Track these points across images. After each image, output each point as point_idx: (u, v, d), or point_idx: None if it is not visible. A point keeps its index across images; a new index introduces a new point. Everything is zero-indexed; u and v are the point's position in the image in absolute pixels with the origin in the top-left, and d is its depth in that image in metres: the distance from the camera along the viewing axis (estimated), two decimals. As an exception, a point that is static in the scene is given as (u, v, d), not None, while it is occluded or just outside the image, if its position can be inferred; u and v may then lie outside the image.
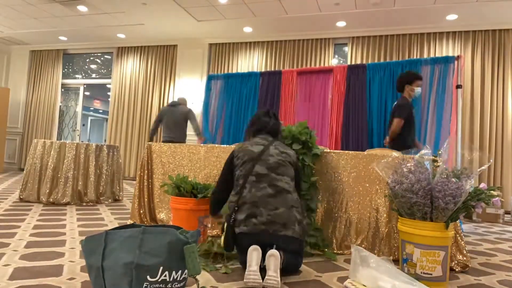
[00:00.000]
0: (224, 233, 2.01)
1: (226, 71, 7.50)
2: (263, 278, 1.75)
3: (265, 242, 1.91)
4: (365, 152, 2.78)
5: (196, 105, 7.64)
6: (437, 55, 6.15)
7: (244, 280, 1.74)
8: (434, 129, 4.34)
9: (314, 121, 5.05)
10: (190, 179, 2.86)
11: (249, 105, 5.26)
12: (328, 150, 2.82)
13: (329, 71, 5.08)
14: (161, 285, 1.46)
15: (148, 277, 1.44)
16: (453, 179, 1.99)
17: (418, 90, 4.00)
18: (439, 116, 4.33)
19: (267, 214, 1.94)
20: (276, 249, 1.86)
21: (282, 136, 2.69)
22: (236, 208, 2.01)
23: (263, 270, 1.83)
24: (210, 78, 5.62)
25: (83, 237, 2.69)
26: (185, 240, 1.55)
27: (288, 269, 1.99)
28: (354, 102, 4.74)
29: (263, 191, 1.99)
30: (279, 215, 1.95)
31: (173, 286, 1.50)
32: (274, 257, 1.79)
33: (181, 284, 1.55)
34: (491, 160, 1.88)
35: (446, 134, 4.21)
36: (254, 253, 1.81)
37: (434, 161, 2.38)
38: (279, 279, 1.73)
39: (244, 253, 1.90)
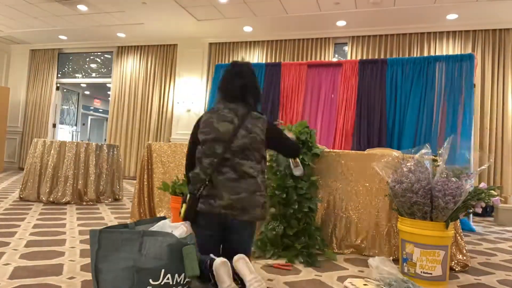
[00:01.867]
0: (186, 204, 1.90)
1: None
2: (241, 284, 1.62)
3: (222, 225, 1.86)
4: (365, 152, 2.78)
5: (196, 105, 7.64)
6: (437, 54, 6.14)
7: None
8: (444, 126, 4.34)
9: (321, 116, 5.03)
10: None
11: None
12: (328, 150, 2.82)
13: (338, 65, 5.07)
14: None
15: (150, 280, 1.43)
16: (453, 179, 1.99)
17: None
18: (454, 114, 4.33)
19: (228, 198, 1.84)
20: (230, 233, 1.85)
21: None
22: (205, 185, 1.89)
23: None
24: (217, 68, 5.55)
25: (83, 237, 2.69)
26: (185, 242, 1.55)
27: (239, 251, 1.83)
28: (369, 98, 4.71)
29: (226, 175, 1.89)
30: (239, 200, 1.85)
31: None
32: (244, 259, 1.66)
33: (185, 287, 1.54)
34: (491, 160, 1.88)
35: (464, 133, 4.22)
36: (222, 268, 1.60)
37: (434, 160, 2.37)
38: (260, 277, 1.61)
39: (199, 230, 1.84)
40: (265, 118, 2.02)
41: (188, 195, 1.90)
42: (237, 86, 2.03)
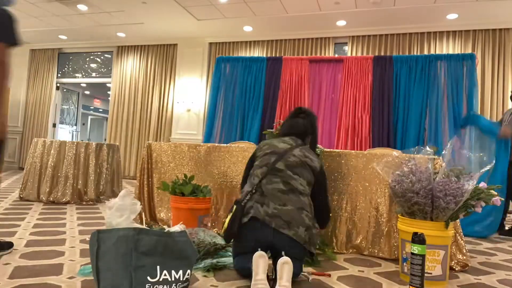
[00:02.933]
0: (230, 215, 1.87)
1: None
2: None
3: (265, 238, 1.81)
4: (365, 152, 2.78)
5: (196, 105, 7.64)
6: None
7: None
8: (447, 126, 4.34)
9: (323, 114, 5.01)
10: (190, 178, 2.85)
11: (255, 90, 5.18)
12: (328, 149, 2.82)
13: (339, 61, 5.06)
14: (165, 286, 1.46)
15: (148, 277, 1.44)
16: (454, 179, 1.99)
17: None
18: (457, 114, 4.33)
19: (273, 208, 1.84)
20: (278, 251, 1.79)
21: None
22: (250, 194, 1.91)
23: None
24: (219, 61, 5.52)
25: (83, 236, 2.69)
26: (181, 239, 1.56)
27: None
28: (380, 96, 4.72)
29: (274, 185, 1.91)
30: (285, 212, 1.84)
31: (177, 286, 1.50)
32: (288, 265, 1.64)
33: (185, 284, 1.55)
34: (493, 161, 1.89)
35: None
36: (260, 261, 1.65)
37: (432, 159, 2.37)
38: None
39: (240, 246, 1.86)
40: (320, 160, 2.24)
41: (234, 206, 1.91)
42: (295, 124, 2.27)
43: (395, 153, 2.86)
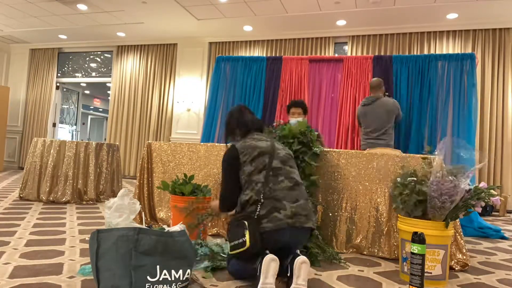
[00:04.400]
0: (249, 231, 1.76)
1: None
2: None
3: (282, 240, 1.80)
4: (365, 151, 2.78)
5: (196, 104, 7.64)
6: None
7: None
8: (451, 127, 4.34)
9: (323, 113, 5.01)
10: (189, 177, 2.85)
11: (255, 90, 5.17)
12: (328, 149, 2.82)
13: (339, 61, 5.05)
14: (165, 285, 1.46)
15: (148, 277, 1.44)
16: (449, 177, 1.98)
17: (292, 121, 3.53)
18: (457, 114, 4.33)
19: (290, 207, 1.83)
20: (295, 246, 1.84)
21: (281, 135, 2.70)
22: (260, 203, 1.84)
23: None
24: (219, 60, 5.50)
25: (83, 236, 2.69)
26: (181, 239, 1.56)
27: None
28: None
29: (282, 184, 1.90)
30: (301, 207, 1.88)
31: (177, 286, 1.50)
32: (306, 264, 1.65)
33: (184, 284, 1.55)
34: (486, 159, 1.90)
35: (468, 132, 4.22)
36: (272, 264, 1.62)
37: (424, 158, 2.37)
38: None
39: (248, 252, 1.74)
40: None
41: (246, 222, 1.77)
42: (254, 120, 2.24)
43: (397, 153, 2.87)
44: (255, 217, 1.81)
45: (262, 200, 1.84)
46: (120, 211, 1.63)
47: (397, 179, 2.24)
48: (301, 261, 1.64)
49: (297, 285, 1.59)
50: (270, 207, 1.82)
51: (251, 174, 1.93)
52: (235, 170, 2.01)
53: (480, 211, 4.77)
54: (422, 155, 2.45)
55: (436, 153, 2.15)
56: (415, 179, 2.14)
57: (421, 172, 2.18)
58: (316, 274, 2.09)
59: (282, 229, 1.79)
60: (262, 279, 1.59)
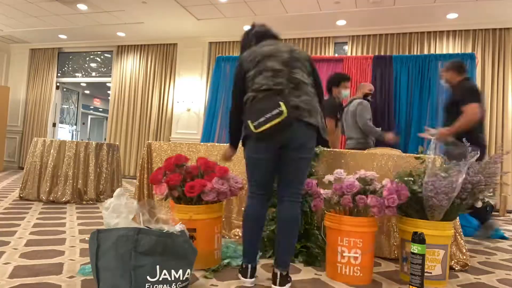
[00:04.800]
0: (283, 103, 1.74)
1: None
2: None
3: (279, 137, 1.76)
4: (365, 151, 2.78)
5: (196, 104, 7.64)
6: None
7: None
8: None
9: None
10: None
11: None
12: (328, 149, 2.82)
13: (339, 60, 5.05)
14: (165, 285, 1.46)
15: (148, 277, 1.44)
16: (442, 175, 1.98)
17: (345, 92, 4.00)
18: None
19: (291, 100, 1.78)
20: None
21: None
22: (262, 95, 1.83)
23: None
24: (219, 60, 5.49)
25: (83, 236, 2.69)
26: (180, 239, 1.56)
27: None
28: (380, 96, 4.72)
29: (282, 85, 1.83)
30: (303, 101, 1.82)
31: (177, 286, 1.50)
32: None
33: (184, 284, 1.55)
34: (477, 153, 1.90)
35: None
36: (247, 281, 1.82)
37: (417, 158, 2.38)
38: None
39: (251, 156, 1.86)
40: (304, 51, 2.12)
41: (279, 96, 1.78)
42: (267, 30, 2.13)
43: (398, 152, 2.87)
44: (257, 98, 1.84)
45: (255, 99, 1.84)
46: (118, 212, 1.62)
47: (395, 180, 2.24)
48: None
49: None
50: (267, 101, 1.78)
51: (254, 77, 1.90)
52: (241, 79, 1.97)
53: (480, 206, 4.76)
54: (415, 155, 2.46)
55: (428, 152, 2.15)
56: (412, 179, 2.13)
57: (415, 172, 2.17)
58: (316, 274, 2.09)
59: (278, 129, 1.72)
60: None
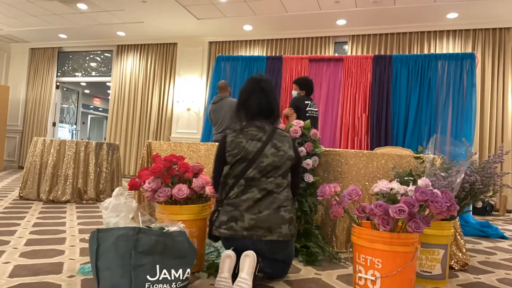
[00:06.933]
0: (208, 225, 1.94)
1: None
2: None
3: (253, 248, 1.76)
4: (365, 151, 2.78)
5: (196, 104, 7.64)
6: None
7: (215, 285, 1.64)
8: (450, 127, 4.35)
9: (322, 113, 5.01)
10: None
11: None
12: (328, 149, 2.82)
13: (339, 60, 5.05)
14: (164, 285, 1.46)
15: (148, 276, 1.44)
16: (441, 175, 1.97)
17: (293, 92, 4.16)
18: (456, 113, 4.34)
19: (249, 219, 1.79)
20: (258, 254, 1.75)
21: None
22: (219, 208, 1.90)
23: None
24: (219, 59, 5.49)
25: (83, 235, 2.69)
26: (180, 238, 1.56)
27: (274, 276, 1.92)
28: (380, 95, 4.73)
29: (249, 195, 1.84)
30: (262, 219, 1.79)
31: (177, 285, 1.50)
32: (250, 258, 1.67)
33: (185, 283, 1.55)
34: (476, 153, 1.90)
35: (466, 131, 4.23)
36: (227, 261, 1.68)
37: (417, 158, 2.37)
38: (250, 283, 1.60)
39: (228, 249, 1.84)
40: (290, 136, 2.04)
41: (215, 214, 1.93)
42: (262, 103, 2.00)
43: (406, 152, 2.86)
44: (214, 217, 1.90)
45: (224, 206, 1.88)
46: (117, 211, 1.62)
47: (396, 179, 2.24)
48: (244, 254, 1.69)
49: (240, 278, 1.60)
50: (230, 216, 1.83)
51: (227, 174, 1.92)
52: (222, 162, 1.98)
53: (480, 206, 4.76)
54: (414, 154, 2.46)
55: (427, 152, 2.15)
56: (412, 178, 2.14)
57: (415, 172, 2.18)
58: (316, 273, 2.09)
59: (240, 239, 1.80)
60: (219, 274, 1.66)
